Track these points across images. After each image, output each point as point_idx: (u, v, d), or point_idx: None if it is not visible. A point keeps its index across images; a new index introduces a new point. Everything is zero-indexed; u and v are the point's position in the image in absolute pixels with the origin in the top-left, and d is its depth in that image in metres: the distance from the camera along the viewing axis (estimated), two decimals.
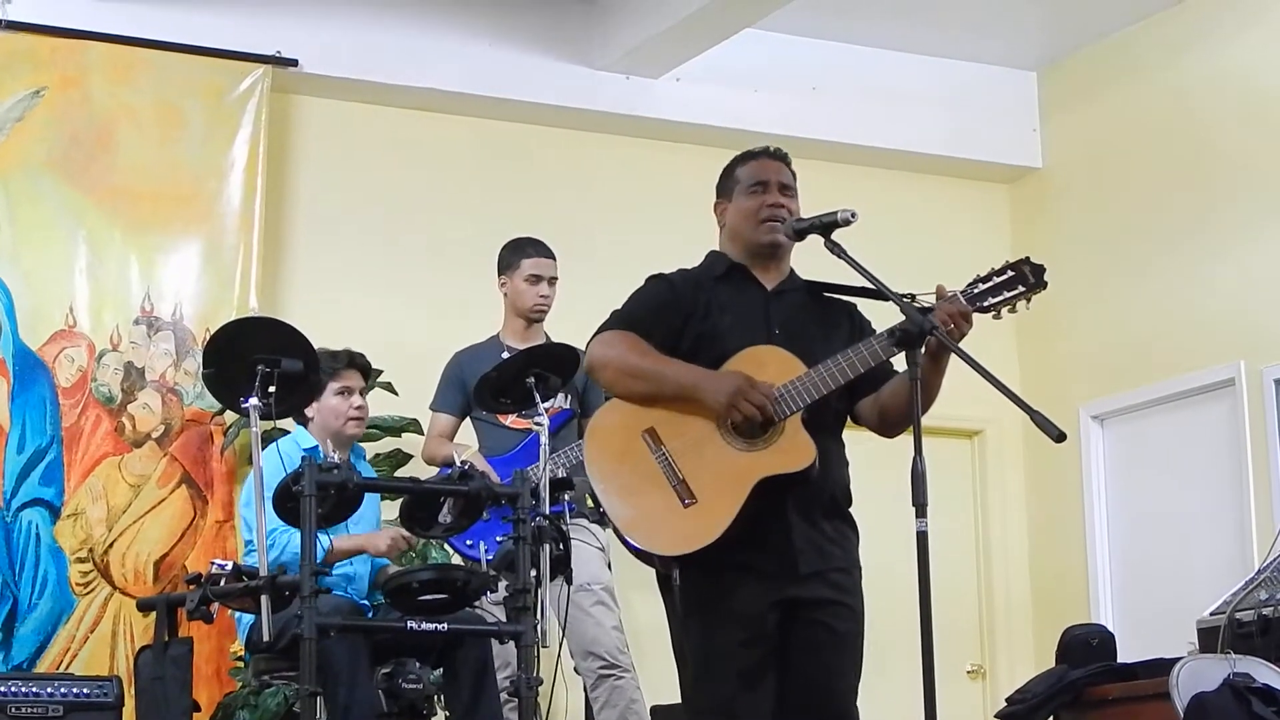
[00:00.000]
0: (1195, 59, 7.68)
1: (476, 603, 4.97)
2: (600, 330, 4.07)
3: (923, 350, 3.80)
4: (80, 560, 6.58)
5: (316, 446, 5.55)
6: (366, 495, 5.10)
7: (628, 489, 3.93)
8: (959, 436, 8.25)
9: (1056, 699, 5.09)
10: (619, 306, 4.13)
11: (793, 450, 3.87)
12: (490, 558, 4.89)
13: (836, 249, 3.95)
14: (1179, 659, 4.81)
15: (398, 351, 6.85)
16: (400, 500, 5.16)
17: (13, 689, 5.38)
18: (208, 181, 7.00)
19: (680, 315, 4.06)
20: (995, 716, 5.31)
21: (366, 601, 5.59)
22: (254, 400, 4.66)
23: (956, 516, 8.16)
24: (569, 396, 6.02)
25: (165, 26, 7.01)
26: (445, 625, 4.82)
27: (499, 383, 5.17)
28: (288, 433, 5.63)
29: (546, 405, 5.15)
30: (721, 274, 4.13)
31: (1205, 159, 7.57)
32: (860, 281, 3.95)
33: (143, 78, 6.97)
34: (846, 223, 3.95)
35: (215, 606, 4.83)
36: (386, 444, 6.80)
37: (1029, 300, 3.91)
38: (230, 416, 6.59)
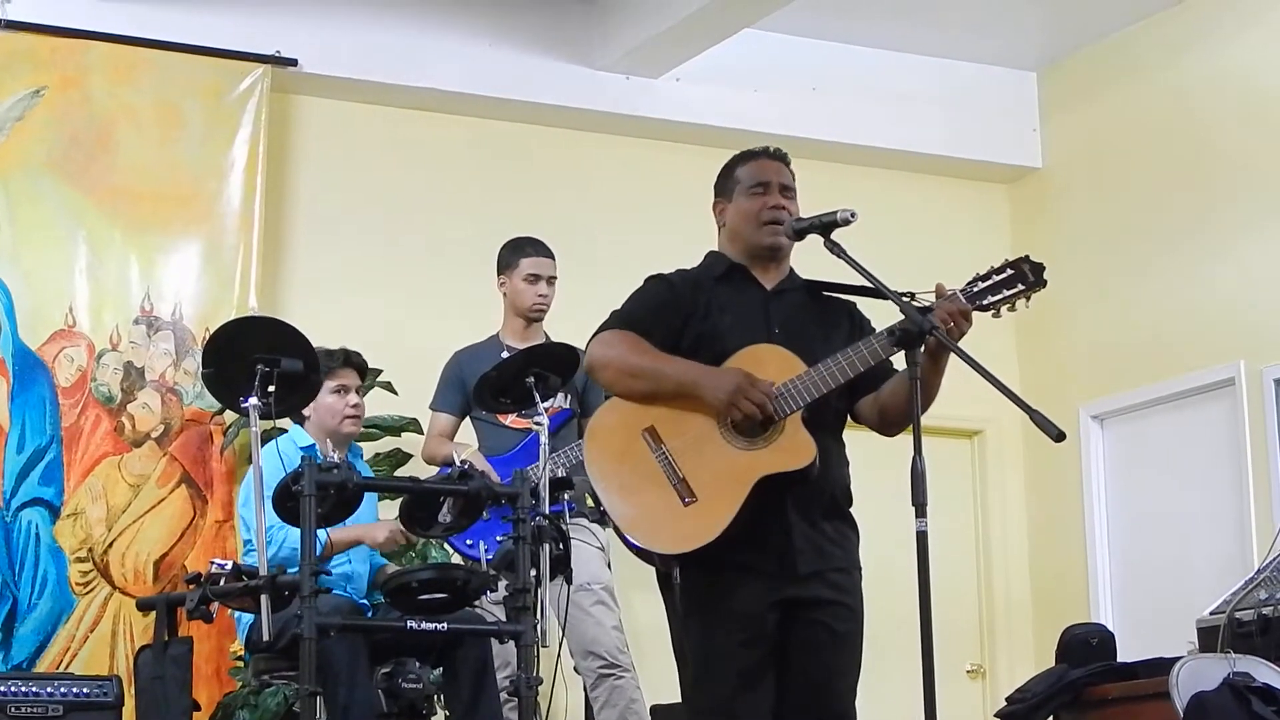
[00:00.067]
0: (1195, 59, 7.68)
1: (476, 602, 4.97)
2: (600, 330, 4.08)
3: (922, 350, 3.80)
4: (80, 560, 6.58)
5: (313, 445, 5.55)
6: (364, 495, 5.09)
7: (628, 488, 3.93)
8: (959, 436, 8.25)
9: (1056, 698, 5.09)
10: (619, 306, 4.13)
11: (793, 449, 3.87)
12: (490, 557, 4.88)
13: (836, 249, 3.95)
14: (1179, 658, 4.81)
15: (398, 351, 6.86)
16: (400, 500, 5.16)
17: (13, 689, 5.38)
18: (208, 181, 7.01)
19: (680, 315, 4.06)
20: (995, 716, 5.31)
21: (366, 601, 5.59)
22: (254, 400, 4.65)
23: (956, 516, 8.16)
24: (569, 396, 6.02)
25: (165, 26, 7.01)
26: (445, 625, 4.82)
27: (499, 382, 5.17)
28: (285, 431, 5.63)
29: (546, 405, 5.14)
30: (721, 274, 4.13)
31: (1205, 159, 7.57)
32: (860, 281, 3.95)
33: (143, 78, 6.97)
34: (846, 222, 3.96)
35: (215, 606, 4.83)
36: (386, 444, 6.81)
37: (1029, 299, 3.91)
38: (230, 416, 6.59)
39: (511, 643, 4.72)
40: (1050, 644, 5.56)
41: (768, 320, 4.07)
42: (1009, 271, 3.91)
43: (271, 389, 4.67)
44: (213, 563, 4.86)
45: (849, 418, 4.13)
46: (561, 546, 4.82)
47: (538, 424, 5.02)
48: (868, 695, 4.05)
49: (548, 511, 4.80)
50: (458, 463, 5.34)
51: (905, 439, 3.84)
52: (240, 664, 6.17)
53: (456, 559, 5.88)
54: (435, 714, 5.34)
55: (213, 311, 6.80)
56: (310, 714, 4.47)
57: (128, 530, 6.66)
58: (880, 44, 8.15)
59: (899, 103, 8.18)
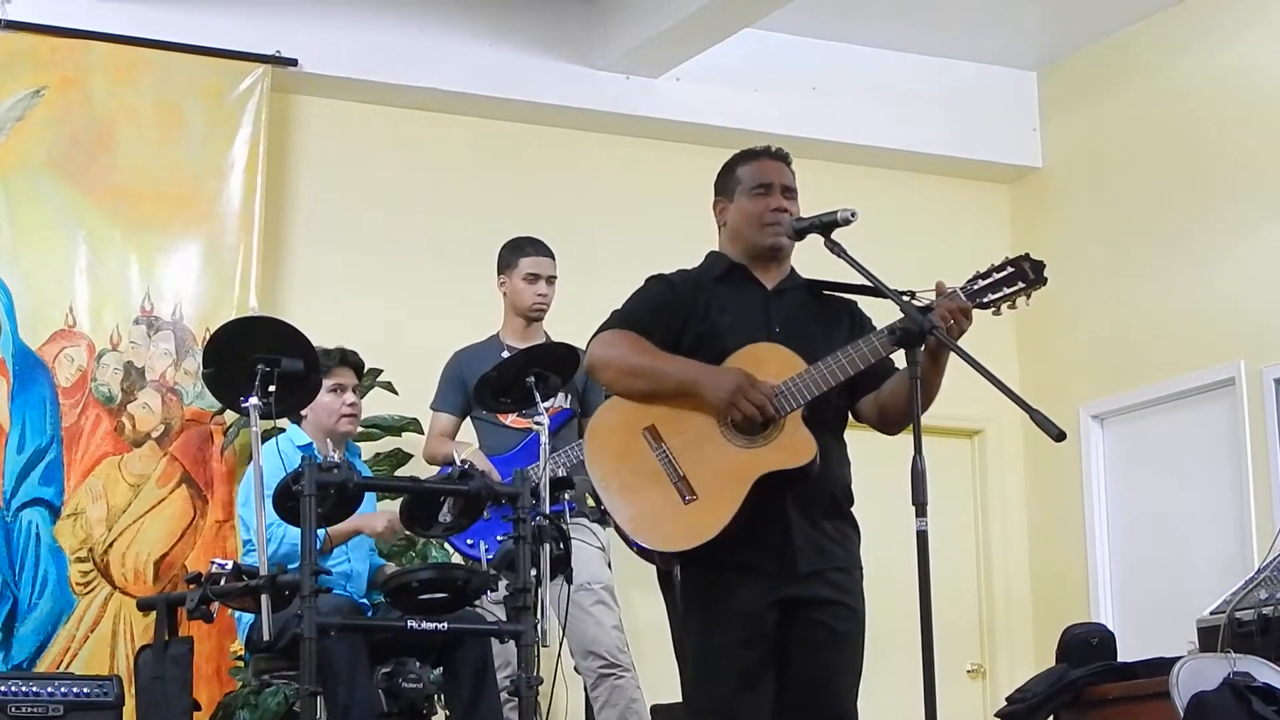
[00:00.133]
0: (1195, 59, 7.68)
1: (476, 602, 4.97)
2: (600, 330, 4.08)
3: (922, 349, 3.80)
4: (80, 560, 6.58)
5: (311, 444, 5.55)
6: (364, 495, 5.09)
7: (628, 487, 3.93)
8: (959, 436, 8.25)
9: (1056, 698, 5.09)
10: (619, 306, 4.13)
11: (793, 447, 3.87)
12: (490, 557, 4.88)
13: (836, 248, 3.95)
14: (1179, 658, 4.81)
15: (398, 351, 6.86)
16: (400, 500, 5.16)
17: (13, 689, 5.38)
18: (208, 181, 7.00)
19: (680, 315, 4.06)
20: (995, 716, 5.31)
21: (365, 601, 5.59)
22: (254, 400, 4.65)
23: (956, 516, 8.16)
24: (569, 396, 6.02)
25: (165, 26, 7.01)
26: (445, 625, 4.82)
27: (499, 382, 5.17)
28: (284, 430, 5.63)
29: (546, 405, 5.15)
30: (721, 274, 4.13)
31: (1205, 159, 7.57)
32: (860, 281, 3.95)
33: (143, 78, 6.97)
34: (846, 222, 3.96)
35: (215, 606, 4.83)
36: (386, 443, 6.81)
37: (1029, 297, 3.91)
38: (230, 416, 6.59)
39: (512, 642, 4.72)
40: (1050, 644, 5.56)
41: (768, 319, 4.07)
42: (1009, 269, 3.91)
43: (272, 389, 4.67)
44: (213, 562, 4.86)
45: (850, 417, 4.13)
46: (562, 546, 4.82)
47: (538, 424, 5.02)
48: (868, 695, 4.05)
49: (548, 511, 4.80)
50: (458, 462, 5.34)
51: (905, 439, 3.84)
52: (240, 664, 6.17)
53: (457, 559, 5.88)
54: (435, 714, 5.34)
55: (213, 311, 6.80)
56: (310, 714, 4.47)
57: (128, 530, 6.66)
58: (880, 44, 8.15)
59: (899, 103, 8.18)
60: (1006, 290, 3.90)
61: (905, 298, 3.84)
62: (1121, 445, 7.93)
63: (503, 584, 4.81)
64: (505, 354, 5.80)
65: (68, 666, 6.38)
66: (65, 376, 6.69)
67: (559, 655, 5.52)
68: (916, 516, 3.67)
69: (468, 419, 6.17)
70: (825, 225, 3.98)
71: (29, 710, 5.34)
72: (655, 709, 6.00)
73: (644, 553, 3.93)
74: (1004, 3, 7.86)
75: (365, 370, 6.04)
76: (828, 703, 3.94)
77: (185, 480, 6.77)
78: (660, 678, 5.35)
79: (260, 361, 4.68)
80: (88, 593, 6.57)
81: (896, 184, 8.26)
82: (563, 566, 4.84)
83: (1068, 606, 7.71)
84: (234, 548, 6.46)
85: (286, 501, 4.57)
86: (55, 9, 6.86)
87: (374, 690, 5.00)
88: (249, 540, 5.47)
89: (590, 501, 5.65)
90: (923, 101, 8.23)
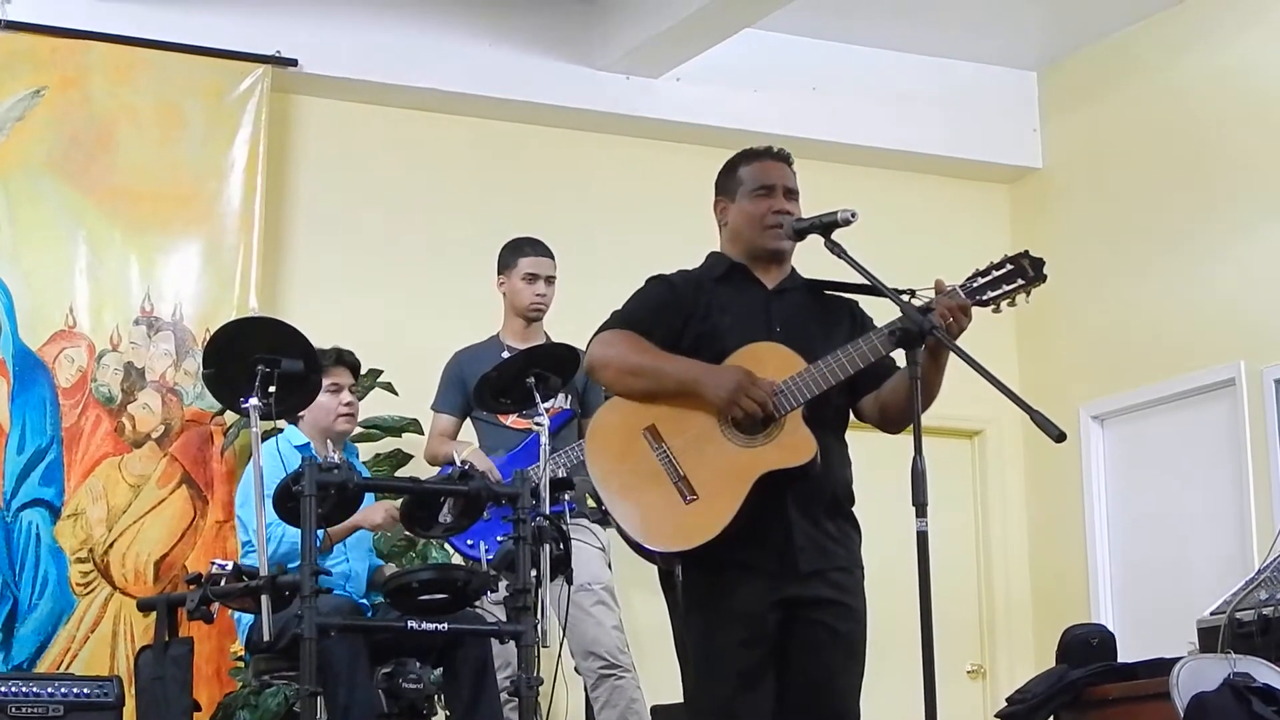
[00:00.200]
0: (1195, 59, 7.68)
1: (477, 603, 4.97)
2: (600, 330, 4.08)
3: (922, 349, 3.80)
4: (80, 560, 6.58)
5: (308, 444, 5.56)
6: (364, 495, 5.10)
7: (629, 487, 3.92)
8: (959, 436, 8.25)
9: (1056, 699, 5.09)
10: (619, 307, 4.13)
11: (793, 446, 3.87)
12: (490, 557, 4.88)
13: (836, 249, 3.95)
14: (1179, 659, 4.81)
15: (398, 351, 6.86)
16: (400, 500, 5.16)
17: (13, 689, 5.38)
18: (208, 181, 7.00)
19: (680, 316, 4.06)
20: (995, 716, 5.31)
21: (366, 601, 5.59)
22: (254, 400, 4.65)
23: (956, 516, 8.16)
24: (569, 396, 6.02)
25: (165, 26, 7.01)
26: (445, 625, 4.82)
27: (499, 383, 5.17)
28: (282, 430, 5.63)
29: (546, 405, 5.15)
30: (722, 274, 4.13)
31: (1205, 159, 7.57)
32: (861, 281, 3.95)
33: (143, 78, 6.97)
34: (846, 222, 3.96)
35: (215, 606, 4.83)
36: (386, 444, 6.81)
37: (1029, 294, 3.91)
38: (230, 416, 6.59)
39: (512, 643, 4.72)
40: (1050, 644, 5.56)
41: (769, 319, 4.07)
42: (1009, 267, 3.91)
43: (272, 389, 4.67)
44: (213, 563, 4.86)
45: (852, 416, 4.13)
46: (562, 547, 4.82)
47: (538, 424, 5.02)
48: (868, 695, 4.04)
49: (548, 512, 4.80)
50: (458, 462, 5.34)
51: (905, 439, 3.84)
52: (240, 664, 6.17)
53: (457, 559, 5.88)
54: (435, 714, 5.34)
55: (213, 311, 6.80)
56: (310, 714, 4.47)
57: (128, 531, 6.66)
58: (880, 44, 8.15)
59: (899, 103, 8.18)
60: (1006, 288, 3.89)
61: (905, 297, 3.84)
62: (1121, 445, 7.93)
63: (503, 584, 4.81)
64: (505, 354, 5.81)
65: (68, 667, 6.38)
66: (65, 377, 6.69)
67: (559, 656, 5.51)
68: (917, 517, 3.67)
69: (468, 419, 6.17)
70: (825, 226, 3.98)
71: (29, 711, 5.34)
72: (655, 709, 6.00)
73: (645, 553, 3.93)
74: (1004, 3, 7.86)
75: (365, 371, 6.04)
76: (828, 703, 3.94)
77: (185, 481, 6.76)
78: (660, 678, 5.35)
79: (260, 362, 4.68)
80: (88, 593, 6.57)
81: (896, 184, 8.26)
82: (563, 567, 4.84)
83: (1068, 607, 7.71)
84: (234, 548, 6.46)
85: (287, 502, 4.57)
86: (55, 9, 6.86)
87: (374, 691, 5.00)
88: (248, 541, 5.47)
89: (591, 502, 5.65)
90: (923, 101, 8.23)
